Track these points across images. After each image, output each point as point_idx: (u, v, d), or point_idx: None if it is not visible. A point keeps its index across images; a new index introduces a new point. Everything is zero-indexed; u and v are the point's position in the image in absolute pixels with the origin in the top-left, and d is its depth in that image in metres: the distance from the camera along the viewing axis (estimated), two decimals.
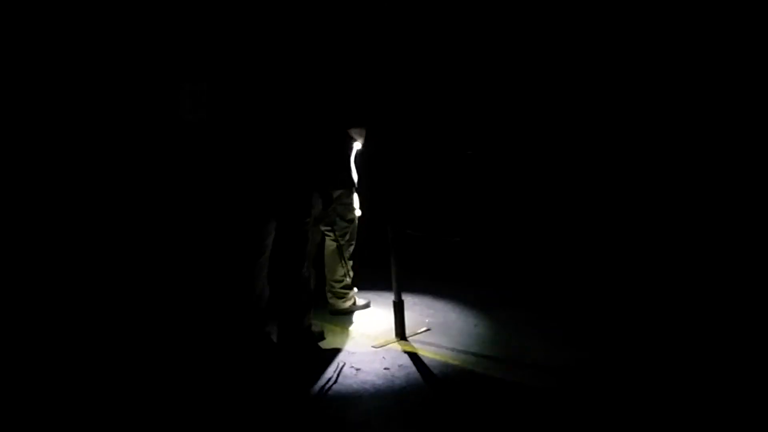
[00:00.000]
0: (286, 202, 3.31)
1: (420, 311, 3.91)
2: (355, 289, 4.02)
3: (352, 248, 3.90)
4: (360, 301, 4.00)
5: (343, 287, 3.92)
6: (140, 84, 4.05)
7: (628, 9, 5.04)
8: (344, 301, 3.93)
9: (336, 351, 3.37)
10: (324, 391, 2.95)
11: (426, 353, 3.30)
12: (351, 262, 3.94)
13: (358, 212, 3.88)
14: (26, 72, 3.63)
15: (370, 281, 4.20)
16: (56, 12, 3.70)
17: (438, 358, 3.25)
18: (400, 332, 3.50)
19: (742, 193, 4.66)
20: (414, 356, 3.27)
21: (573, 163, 5.41)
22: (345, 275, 3.92)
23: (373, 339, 3.50)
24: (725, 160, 4.74)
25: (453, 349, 3.35)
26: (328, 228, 3.87)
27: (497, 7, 5.44)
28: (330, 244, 3.90)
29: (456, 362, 3.20)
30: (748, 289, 3.94)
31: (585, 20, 5.23)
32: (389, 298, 3.56)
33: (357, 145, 3.83)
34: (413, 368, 3.15)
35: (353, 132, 3.76)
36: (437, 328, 3.65)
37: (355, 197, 3.86)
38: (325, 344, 3.46)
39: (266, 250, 3.39)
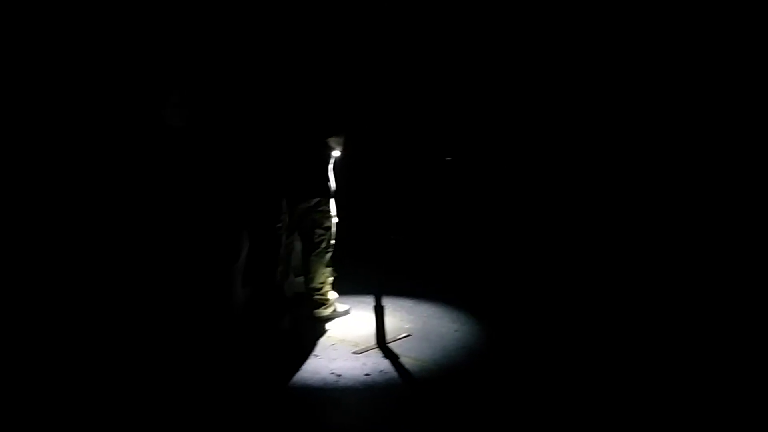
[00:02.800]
0: (255, 208, 3.35)
1: (401, 316, 3.92)
2: (335, 295, 4.02)
3: (329, 255, 3.91)
4: (340, 308, 4.00)
5: (323, 294, 3.92)
6: (117, 88, 4.02)
7: (595, 13, 5.11)
8: (324, 308, 3.93)
9: (316, 358, 3.36)
10: (304, 397, 2.95)
11: (407, 359, 3.31)
12: (330, 269, 3.94)
13: (335, 219, 3.89)
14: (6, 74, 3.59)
15: (350, 287, 4.20)
16: (38, 13, 3.68)
17: (418, 363, 3.26)
18: (381, 338, 3.51)
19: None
20: (395, 362, 3.28)
21: (550, 166, 5.47)
22: (324, 282, 3.92)
23: (354, 345, 3.50)
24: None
25: (433, 354, 3.36)
26: (306, 235, 3.88)
27: (472, 15, 5.48)
28: (308, 251, 3.90)
29: (436, 367, 3.22)
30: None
31: (560, 26, 5.30)
32: (370, 303, 3.57)
33: (335, 153, 3.85)
34: (394, 374, 3.15)
35: (331, 141, 3.78)
36: (418, 333, 3.67)
37: (332, 204, 3.87)
38: (305, 351, 3.46)
39: (242, 255, 3.42)
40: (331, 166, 3.87)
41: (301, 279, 4.01)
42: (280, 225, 3.47)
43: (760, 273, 4.14)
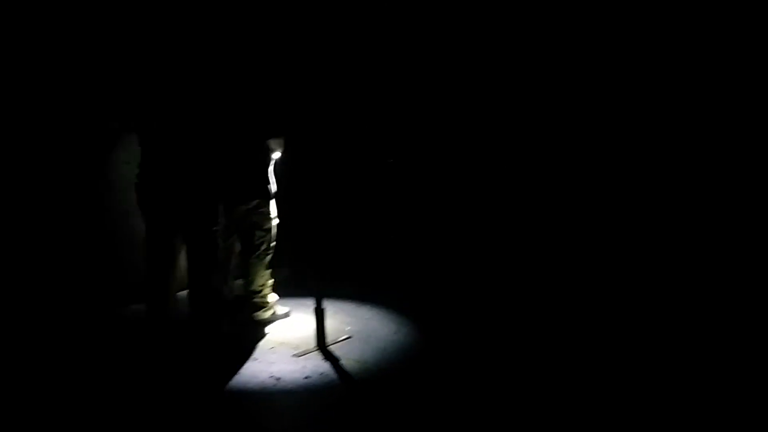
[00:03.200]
0: (188, 211, 3.30)
1: (341, 319, 3.91)
2: (276, 297, 3.98)
3: (269, 257, 3.87)
4: (280, 310, 3.97)
5: (263, 297, 3.88)
6: (52, 87, 3.90)
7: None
8: (264, 311, 3.89)
9: (255, 361, 3.33)
10: (243, 401, 2.91)
11: (347, 361, 3.31)
12: (270, 271, 3.90)
13: (275, 221, 3.86)
14: None
15: (290, 289, 4.18)
16: None
17: (359, 365, 3.27)
18: (321, 340, 3.50)
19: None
20: (335, 364, 3.28)
21: (493, 167, 5.52)
22: (264, 285, 3.88)
23: (294, 348, 3.48)
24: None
25: (373, 356, 3.37)
26: (246, 237, 3.83)
27: (414, 12, 5.48)
28: (248, 253, 3.85)
29: (376, 369, 3.23)
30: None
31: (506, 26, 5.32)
32: (310, 306, 3.55)
33: (275, 155, 3.82)
34: (334, 376, 3.15)
35: (271, 142, 3.75)
36: (358, 335, 3.67)
37: (273, 206, 3.84)
38: (244, 355, 3.42)
39: (177, 259, 3.38)
40: (271, 168, 3.84)
41: (240, 282, 3.96)
42: (216, 228, 3.42)
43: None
